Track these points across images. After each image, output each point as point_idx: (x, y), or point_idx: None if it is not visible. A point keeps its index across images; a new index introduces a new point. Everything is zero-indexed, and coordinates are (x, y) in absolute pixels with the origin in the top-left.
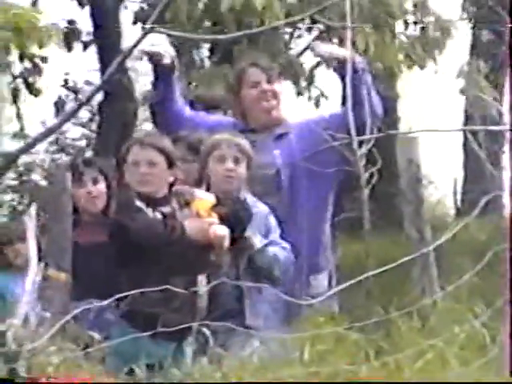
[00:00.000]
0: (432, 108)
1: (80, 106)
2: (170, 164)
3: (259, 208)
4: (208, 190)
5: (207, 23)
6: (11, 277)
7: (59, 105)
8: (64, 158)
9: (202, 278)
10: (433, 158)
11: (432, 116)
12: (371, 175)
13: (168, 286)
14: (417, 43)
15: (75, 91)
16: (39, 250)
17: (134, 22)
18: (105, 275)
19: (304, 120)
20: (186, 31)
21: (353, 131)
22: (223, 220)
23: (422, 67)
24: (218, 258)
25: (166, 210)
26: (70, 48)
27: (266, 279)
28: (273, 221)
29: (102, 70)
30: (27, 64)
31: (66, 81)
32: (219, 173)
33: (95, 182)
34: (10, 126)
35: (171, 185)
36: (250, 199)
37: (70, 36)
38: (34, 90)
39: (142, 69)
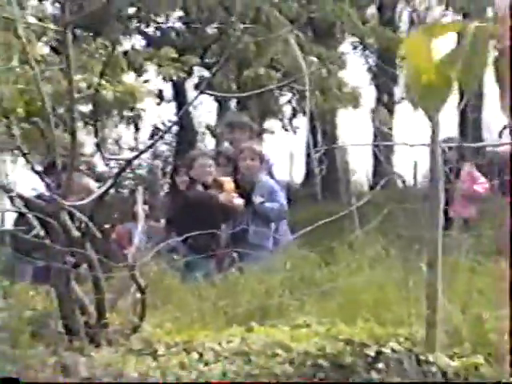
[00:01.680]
0: (355, 132)
1: (166, 132)
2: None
3: (268, 182)
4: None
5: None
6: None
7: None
8: (157, 162)
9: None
10: (356, 159)
11: (356, 136)
12: (321, 169)
13: (215, 230)
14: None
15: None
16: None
17: (195, 88)
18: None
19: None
20: (222, 91)
21: (311, 145)
22: (240, 195)
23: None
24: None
25: (210, 190)
26: (159, 103)
27: (266, 222)
28: (277, 188)
29: (177, 114)
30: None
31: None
32: (243, 166)
33: (186, 174)
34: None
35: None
36: (265, 178)
37: (159, 96)
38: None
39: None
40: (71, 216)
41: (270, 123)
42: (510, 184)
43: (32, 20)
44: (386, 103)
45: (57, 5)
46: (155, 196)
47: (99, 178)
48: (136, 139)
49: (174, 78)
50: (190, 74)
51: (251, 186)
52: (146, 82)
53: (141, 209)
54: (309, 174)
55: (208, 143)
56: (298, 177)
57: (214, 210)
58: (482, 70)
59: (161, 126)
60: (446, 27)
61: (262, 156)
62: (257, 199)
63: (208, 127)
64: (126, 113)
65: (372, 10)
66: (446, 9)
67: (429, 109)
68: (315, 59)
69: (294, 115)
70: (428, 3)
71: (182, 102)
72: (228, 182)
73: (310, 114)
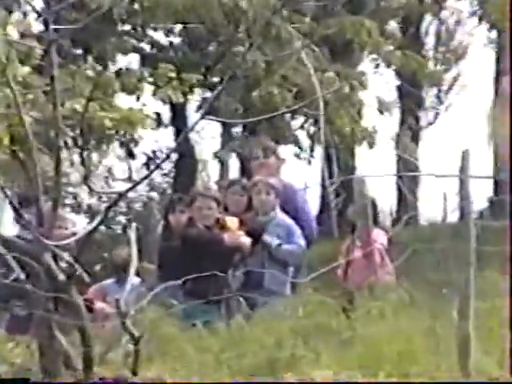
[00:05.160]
0: (376, 161)
1: (163, 161)
2: (218, 205)
3: (284, 221)
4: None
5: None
6: None
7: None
8: (154, 194)
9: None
10: (377, 192)
11: (377, 166)
12: (337, 203)
13: (216, 272)
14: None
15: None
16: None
17: (197, 111)
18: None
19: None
20: (227, 116)
21: (326, 176)
22: (246, 233)
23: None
24: (244, 256)
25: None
26: (156, 128)
27: (282, 265)
28: (295, 228)
29: (176, 140)
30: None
31: (153, 151)
32: (256, 201)
33: (182, 212)
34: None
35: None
36: (281, 215)
37: (156, 120)
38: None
39: (200, 139)
40: (55, 257)
41: (282, 151)
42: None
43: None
44: (411, 129)
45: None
46: (151, 234)
47: (87, 213)
48: (130, 169)
49: (173, 99)
50: (191, 93)
51: (265, 223)
52: (144, 105)
53: (134, 248)
54: (324, 207)
55: (211, 173)
56: (313, 210)
57: (218, 251)
58: None
59: (157, 154)
60: None
61: (277, 190)
62: (273, 241)
63: (216, 155)
64: (119, 139)
65: (395, 24)
66: (479, 22)
67: None
68: (332, 77)
69: (312, 142)
70: (458, 16)
71: (181, 126)
72: (231, 221)
73: (326, 141)
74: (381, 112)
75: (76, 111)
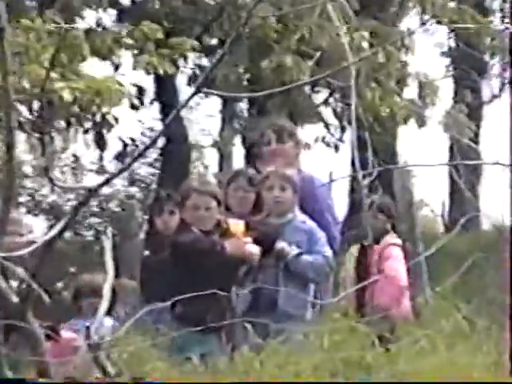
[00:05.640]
0: (425, 147)
1: (146, 148)
2: (219, 204)
3: (306, 224)
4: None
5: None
6: None
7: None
8: (134, 190)
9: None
10: (426, 186)
11: (425, 153)
12: (372, 201)
13: (216, 291)
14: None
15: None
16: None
17: (188, 84)
18: (167, 283)
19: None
20: (228, 89)
21: (357, 165)
22: (255, 241)
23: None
24: (252, 270)
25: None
26: (137, 108)
27: (302, 281)
28: (319, 234)
29: (163, 121)
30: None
31: (132, 139)
32: (269, 199)
33: (172, 213)
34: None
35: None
36: (300, 217)
37: (138, 98)
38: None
39: (194, 118)
40: (5, 273)
41: (300, 133)
42: None
43: None
44: (468, 104)
45: None
46: (131, 241)
47: (49, 214)
48: (102, 158)
49: (160, 70)
50: (182, 59)
51: (279, 227)
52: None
53: (110, 261)
54: (354, 206)
55: (209, 162)
56: (340, 209)
57: (218, 264)
58: None
59: (138, 141)
60: None
61: (295, 185)
62: (290, 250)
63: (216, 143)
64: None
65: None
66: None
67: None
68: (365, 39)
69: (340, 122)
70: None
71: (169, 102)
72: (236, 224)
73: (357, 120)
74: (420, 97)
75: (35, 81)
